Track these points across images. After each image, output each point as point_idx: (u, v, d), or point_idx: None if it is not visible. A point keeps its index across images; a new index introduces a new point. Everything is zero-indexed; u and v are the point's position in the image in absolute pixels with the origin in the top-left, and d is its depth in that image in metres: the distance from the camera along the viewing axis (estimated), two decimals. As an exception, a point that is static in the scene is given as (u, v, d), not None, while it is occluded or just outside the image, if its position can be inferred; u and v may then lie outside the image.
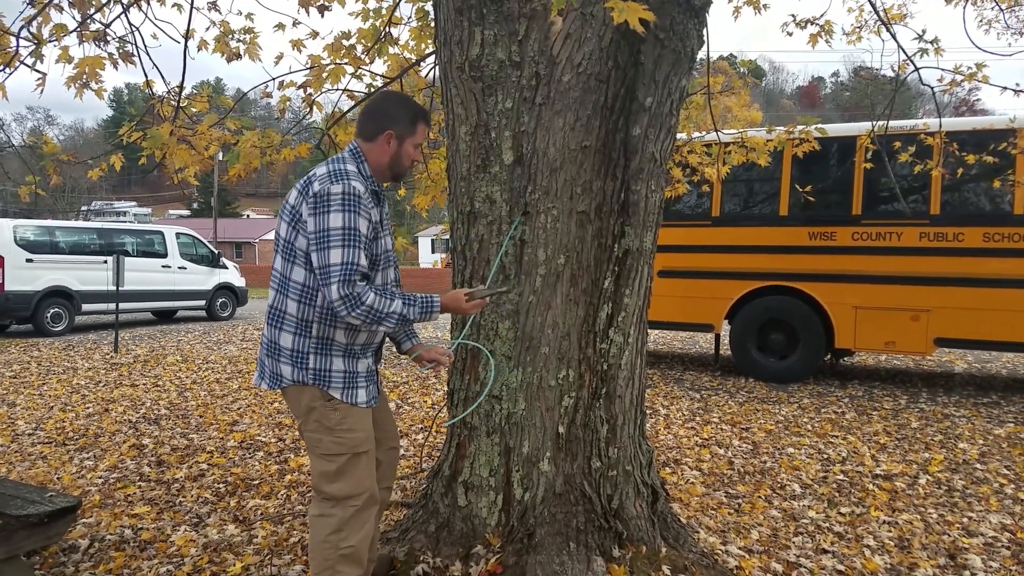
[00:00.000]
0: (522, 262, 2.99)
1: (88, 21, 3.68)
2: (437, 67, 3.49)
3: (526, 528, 2.97)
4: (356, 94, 4.53)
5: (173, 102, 4.17)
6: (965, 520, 4.03)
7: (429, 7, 4.46)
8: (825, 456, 5.30)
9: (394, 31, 4.50)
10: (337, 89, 4.31)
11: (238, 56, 4.25)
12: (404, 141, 2.49)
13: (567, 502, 2.99)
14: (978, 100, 51.18)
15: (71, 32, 3.58)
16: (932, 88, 5.01)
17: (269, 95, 4.37)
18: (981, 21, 7.31)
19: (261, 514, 3.95)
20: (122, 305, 12.46)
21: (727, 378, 8.63)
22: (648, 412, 6.60)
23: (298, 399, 2.45)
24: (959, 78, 5.03)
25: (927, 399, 7.49)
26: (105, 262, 13.21)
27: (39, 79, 3.58)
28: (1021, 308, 7.19)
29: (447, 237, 3.52)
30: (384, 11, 4.49)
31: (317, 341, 2.40)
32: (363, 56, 4.38)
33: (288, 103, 4.49)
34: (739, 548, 3.55)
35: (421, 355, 2.68)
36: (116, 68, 3.65)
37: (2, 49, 3.35)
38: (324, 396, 2.42)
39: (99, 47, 3.58)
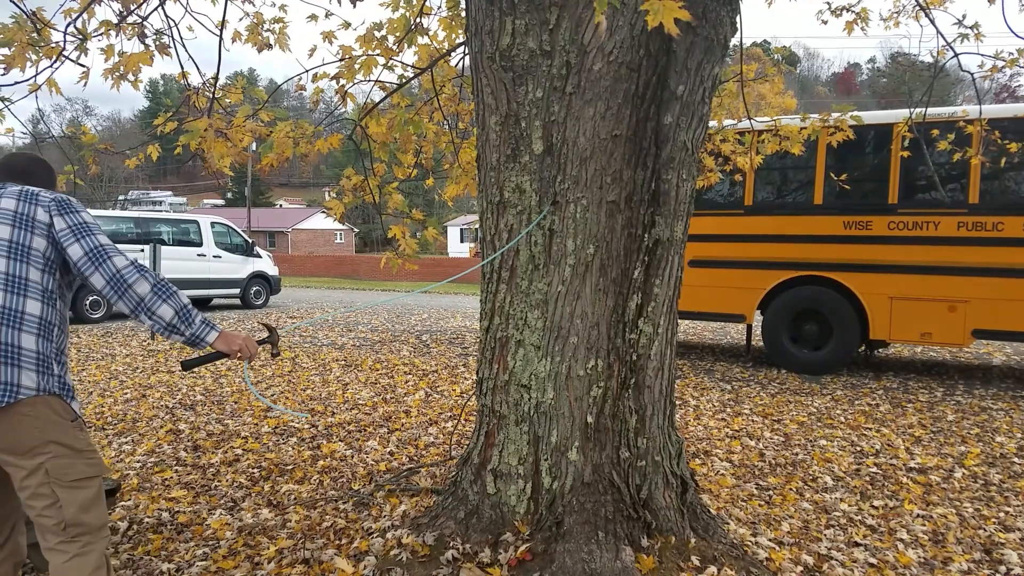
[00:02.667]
0: (551, 252, 2.99)
1: (129, 14, 3.74)
2: (467, 57, 3.49)
3: (555, 517, 2.98)
4: (388, 85, 4.56)
5: (208, 93, 4.23)
6: (1002, 515, 3.97)
7: (460, -4, 4.46)
8: (858, 448, 5.23)
9: (424, 21, 4.51)
10: (369, 80, 4.33)
11: (269, 46, 4.29)
12: None
13: (596, 491, 2.99)
14: (1020, 86, 49.79)
15: (115, 26, 3.64)
16: (972, 74, 4.89)
17: (303, 87, 4.41)
18: (1023, 6, 7.11)
19: (294, 499, 4.02)
20: (158, 293, 12.63)
21: (759, 369, 8.55)
22: (678, 403, 6.57)
23: (33, 424, 2.11)
24: (1000, 64, 4.90)
25: (964, 392, 7.35)
26: (142, 251, 13.46)
27: (82, 73, 3.66)
28: (1063, 299, 7.02)
29: (477, 227, 3.54)
30: (415, 1, 4.50)
31: (57, 348, 2.22)
32: (394, 47, 4.40)
33: (321, 95, 4.53)
34: (769, 540, 3.53)
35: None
36: (152, 62, 3.71)
37: (47, 44, 3.42)
38: (68, 412, 2.19)
39: (141, 43, 3.64)
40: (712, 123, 6.31)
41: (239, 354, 2.41)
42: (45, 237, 2.24)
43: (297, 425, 5.67)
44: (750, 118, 5.62)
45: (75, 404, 2.24)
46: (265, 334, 2.69)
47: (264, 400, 2.84)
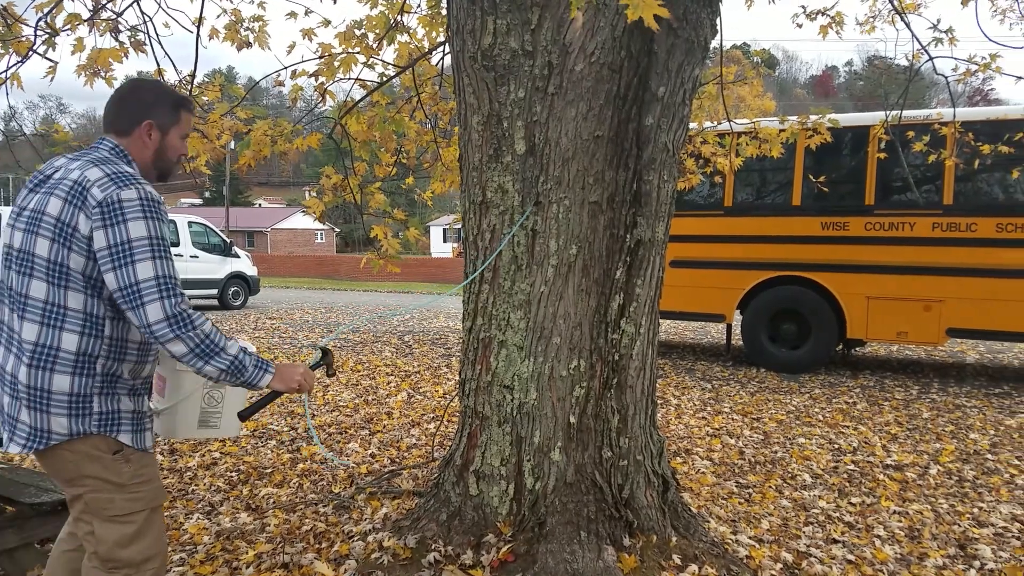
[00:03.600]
0: (534, 252, 2.99)
1: (100, 9, 3.69)
2: (449, 56, 3.48)
3: (537, 517, 2.98)
4: (368, 83, 4.53)
5: (185, 91, 4.19)
6: (976, 510, 4.02)
7: (440, -4, 4.45)
8: (836, 446, 5.29)
9: (405, 19, 4.50)
10: (349, 78, 4.31)
11: (248, 44, 4.26)
12: (168, 132, 2.09)
13: (578, 491, 3.00)
14: (992, 90, 50.66)
15: (85, 21, 3.59)
16: (946, 77, 4.97)
17: (281, 83, 4.38)
18: (995, 11, 7.22)
19: (273, 502, 3.99)
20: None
21: (738, 368, 8.61)
22: (659, 402, 6.60)
23: (71, 458, 1.95)
24: (973, 68, 4.98)
25: (939, 389, 7.46)
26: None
27: (49, 67, 3.60)
28: (1035, 299, 7.14)
29: (459, 227, 3.52)
30: (395, -1, 4.48)
31: (103, 379, 1.95)
32: (374, 45, 4.38)
33: (300, 92, 4.50)
34: (749, 537, 3.55)
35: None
36: (127, 57, 3.66)
37: (16, 38, 3.36)
38: (109, 446, 1.96)
39: (115, 39, 3.59)
40: (692, 125, 6.35)
41: (298, 390, 2.15)
42: (85, 255, 1.88)
43: (276, 428, 5.62)
44: (730, 120, 5.66)
45: (125, 435, 1.98)
46: (318, 356, 2.47)
47: (321, 449, 2.64)
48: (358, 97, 4.60)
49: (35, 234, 1.91)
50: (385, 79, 4.57)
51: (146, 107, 2.06)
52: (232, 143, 5.18)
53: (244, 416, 2.26)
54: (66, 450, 1.94)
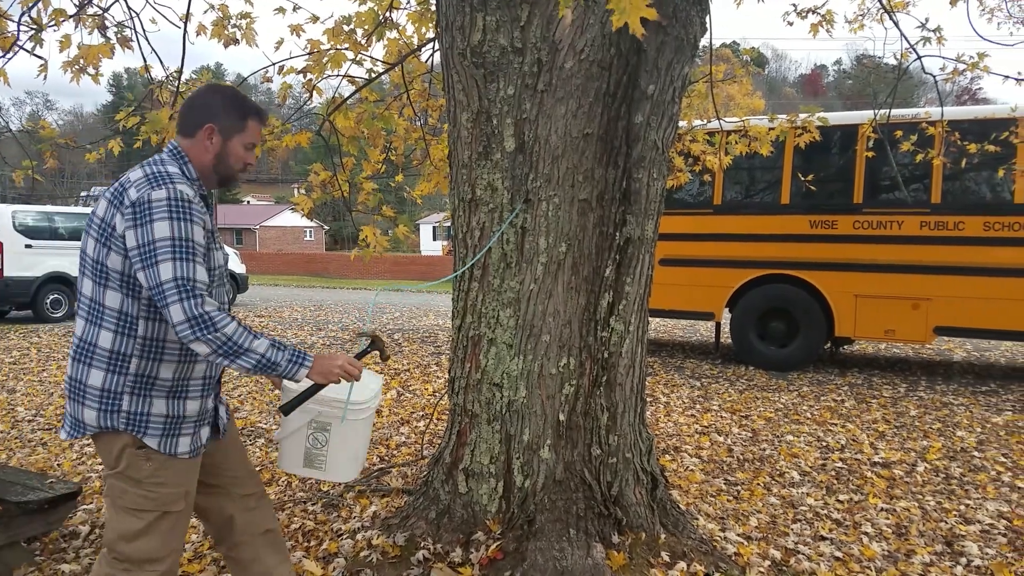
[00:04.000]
0: (523, 250, 2.99)
1: (86, 5, 3.66)
2: (438, 53, 3.47)
3: (526, 515, 2.98)
4: (357, 80, 4.51)
5: (172, 87, 4.16)
6: (962, 507, 4.05)
7: (430, -8, 4.43)
8: (824, 444, 5.31)
9: (394, 15, 4.48)
10: (337, 75, 4.29)
11: (235, 41, 4.23)
12: (231, 138, 2.09)
13: (567, 489, 3.00)
14: (980, 89, 50.98)
15: (70, 17, 3.55)
16: (934, 76, 4.99)
17: (270, 80, 4.35)
18: (983, 10, 7.27)
19: (262, 500, 3.96)
20: (122, 291, 12.41)
21: (727, 366, 8.64)
22: (648, 400, 6.60)
23: (110, 446, 2.02)
24: (961, 67, 5.00)
25: (926, 387, 7.50)
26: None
27: (41, 65, 3.56)
28: (1020, 297, 7.19)
29: (449, 224, 3.51)
30: (384, -5, 4.46)
31: (135, 379, 1.98)
32: (363, 41, 4.36)
33: (289, 89, 4.47)
34: (738, 535, 3.56)
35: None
36: (112, 54, 3.62)
37: (1, 34, 3.33)
38: (136, 443, 2.00)
39: (102, 35, 3.56)
40: (682, 123, 6.35)
41: (341, 381, 2.12)
42: (122, 254, 1.93)
43: (265, 426, 5.59)
44: (719, 118, 5.67)
45: (152, 439, 2.00)
46: (366, 343, 2.43)
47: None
48: (347, 94, 4.58)
49: (88, 235, 2.00)
50: (374, 76, 4.56)
51: (211, 111, 2.07)
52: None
53: (285, 411, 2.24)
54: (106, 440, 2.01)
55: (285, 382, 2.25)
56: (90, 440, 5.09)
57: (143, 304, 1.97)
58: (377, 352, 2.39)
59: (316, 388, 2.17)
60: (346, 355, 2.14)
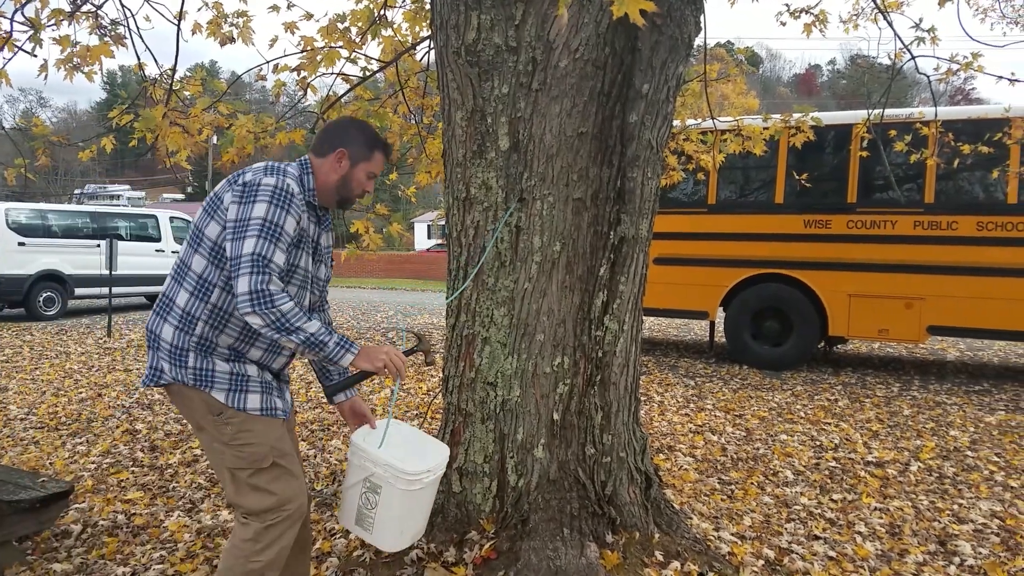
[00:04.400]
0: (518, 249, 2.98)
1: (82, 3, 3.64)
2: (433, 51, 3.46)
3: (520, 514, 2.98)
4: (351, 77, 4.50)
5: (166, 85, 4.14)
6: (955, 507, 4.06)
7: (425, -10, 4.42)
8: (818, 443, 5.32)
9: (388, 14, 4.47)
10: (332, 73, 4.28)
11: (231, 40, 4.21)
12: (357, 165, 2.30)
13: (561, 488, 2.99)
14: (973, 89, 51.15)
15: (68, 16, 3.53)
16: (928, 77, 4.99)
17: (263, 78, 4.34)
18: (977, 10, 7.29)
19: (255, 499, 3.95)
20: (115, 289, 12.42)
21: (721, 365, 8.65)
22: (643, 399, 6.61)
23: (185, 401, 2.20)
24: (955, 67, 5.01)
25: (919, 387, 7.53)
26: (98, 246, 13.15)
27: (41, 66, 3.54)
28: (1013, 297, 7.23)
29: (443, 223, 3.50)
30: (379, -7, 4.45)
31: (198, 340, 2.15)
32: (357, 39, 4.35)
33: (283, 87, 4.46)
34: (731, 534, 3.57)
35: (345, 408, 2.46)
36: (112, 54, 3.60)
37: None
38: (211, 408, 2.16)
39: (98, 35, 3.54)
40: (676, 123, 6.36)
41: (385, 371, 2.22)
42: (221, 224, 2.12)
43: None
44: (713, 118, 5.67)
45: (219, 393, 2.15)
46: (413, 342, 2.50)
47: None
48: (341, 92, 4.56)
49: (202, 208, 2.20)
50: (369, 74, 4.54)
51: (345, 137, 2.29)
52: (214, 138, 5.13)
53: (331, 392, 2.36)
54: (178, 395, 2.19)
55: (353, 439, 2.38)
56: (83, 439, 5.07)
57: (223, 275, 2.14)
58: (423, 354, 2.49)
59: (362, 376, 2.28)
60: (394, 348, 2.26)
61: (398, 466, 2.26)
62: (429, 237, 51.35)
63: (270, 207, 2.06)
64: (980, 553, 3.44)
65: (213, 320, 2.15)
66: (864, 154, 7.15)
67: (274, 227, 2.05)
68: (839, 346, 9.87)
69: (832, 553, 3.40)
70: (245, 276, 2.00)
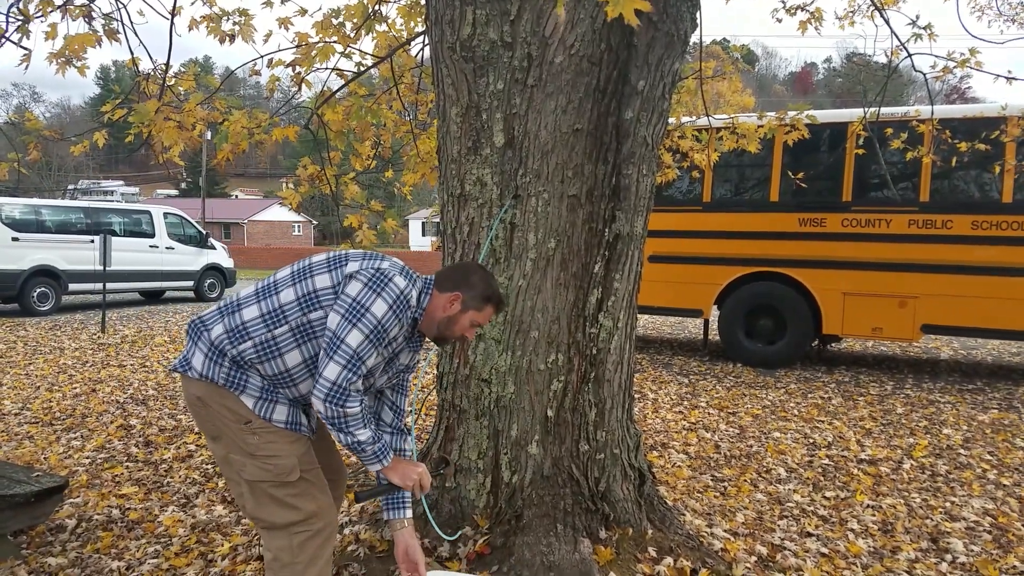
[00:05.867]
0: (512, 246, 2.98)
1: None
2: (427, 47, 3.45)
3: (514, 510, 2.98)
4: (346, 73, 4.49)
5: (159, 80, 4.12)
6: (948, 504, 4.08)
7: (420, -14, 4.41)
8: (811, 441, 5.34)
9: (383, 9, 4.46)
10: (326, 68, 4.27)
11: (231, 38, 4.19)
12: (467, 312, 2.26)
13: (555, 484, 3.00)
14: (969, 88, 51.35)
15: (58, 8, 3.51)
16: (924, 74, 5.00)
17: (258, 73, 4.32)
18: (974, 8, 7.31)
19: (249, 495, 3.95)
20: (109, 285, 12.38)
21: (715, 363, 8.67)
22: (637, 396, 6.62)
23: (209, 404, 2.15)
24: (952, 64, 5.01)
25: (913, 385, 7.55)
26: (92, 241, 13.10)
27: (24, 55, 3.52)
28: (1007, 295, 7.25)
29: (438, 220, 3.50)
30: (374, -12, 4.44)
31: (239, 354, 2.12)
32: (352, 34, 4.33)
33: (277, 82, 4.44)
34: (724, 531, 3.58)
35: (399, 541, 2.35)
36: (100, 46, 3.58)
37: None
38: (238, 416, 2.14)
39: (88, 24, 3.52)
40: (671, 120, 6.36)
41: (413, 488, 2.28)
42: (334, 285, 2.12)
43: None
44: (708, 115, 5.68)
45: (248, 399, 2.13)
46: (443, 467, 2.65)
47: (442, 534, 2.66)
48: (335, 87, 4.56)
49: (326, 259, 2.20)
50: (363, 69, 4.53)
51: (466, 283, 2.26)
52: (208, 134, 5.11)
53: (359, 499, 2.33)
54: (202, 394, 2.13)
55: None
56: (77, 435, 5.05)
57: (301, 321, 2.11)
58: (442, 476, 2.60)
59: (392, 487, 2.29)
60: (425, 468, 2.31)
61: None
62: (424, 234, 51.32)
63: (388, 312, 2.06)
64: (972, 551, 3.46)
65: (261, 349, 2.11)
66: (860, 151, 7.16)
67: (383, 332, 2.07)
68: (833, 344, 9.89)
69: (825, 550, 3.41)
70: (337, 366, 2.01)
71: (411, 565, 2.29)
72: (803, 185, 7.38)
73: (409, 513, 2.34)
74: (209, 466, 4.46)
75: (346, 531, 3.28)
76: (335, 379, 2.01)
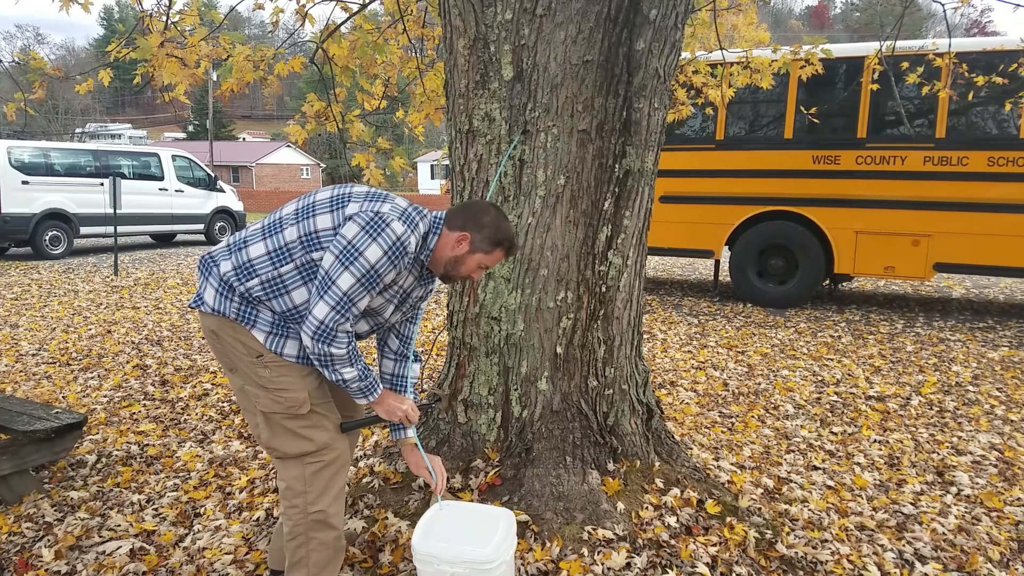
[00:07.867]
0: (521, 183, 2.95)
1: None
2: (434, -21, 3.37)
3: (524, 443, 3.03)
4: (350, 6, 4.39)
5: (163, 17, 4.05)
6: (955, 439, 4.12)
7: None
8: (819, 378, 5.37)
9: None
10: (330, 0, 4.17)
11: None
12: (475, 253, 2.23)
13: (564, 419, 3.04)
14: (990, 22, 49.83)
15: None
16: (943, 5, 4.85)
17: (261, 7, 4.24)
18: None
19: (264, 431, 4.03)
20: (120, 228, 12.41)
21: (725, 303, 8.67)
22: (646, 336, 6.65)
23: (223, 337, 2.19)
24: (971, -4, 4.86)
25: (923, 324, 7.55)
26: (101, 184, 13.10)
27: (22, -10, 3.46)
28: (1020, 233, 7.17)
29: (447, 163, 3.46)
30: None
31: (247, 290, 2.14)
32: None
33: (280, 14, 4.36)
34: (731, 464, 3.63)
35: (409, 460, 2.45)
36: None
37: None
38: (249, 349, 2.18)
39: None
40: (684, 54, 6.22)
41: (401, 421, 2.37)
42: (334, 225, 2.11)
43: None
44: (722, 49, 5.55)
45: (259, 333, 2.16)
46: (436, 404, 2.68)
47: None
48: (339, 21, 4.46)
49: (330, 197, 2.18)
50: (367, 1, 4.43)
51: (476, 223, 2.22)
52: (213, 72, 5.04)
53: (344, 428, 2.36)
54: (216, 327, 2.17)
55: (416, 547, 2.24)
56: (94, 374, 5.14)
57: (305, 258, 2.11)
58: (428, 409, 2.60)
59: (376, 419, 2.36)
60: (412, 404, 2.37)
61: (476, 558, 2.15)
62: (432, 177, 50.99)
63: (383, 258, 2.05)
64: (977, 483, 3.50)
65: (268, 286, 2.13)
66: (875, 87, 7.00)
67: (376, 277, 2.06)
68: (844, 284, 9.86)
69: (831, 483, 3.47)
70: (326, 307, 2.04)
71: (426, 473, 2.44)
72: (817, 122, 7.24)
73: (411, 432, 2.45)
74: (225, 403, 4.54)
75: (361, 463, 3.36)
76: (323, 319, 2.04)
